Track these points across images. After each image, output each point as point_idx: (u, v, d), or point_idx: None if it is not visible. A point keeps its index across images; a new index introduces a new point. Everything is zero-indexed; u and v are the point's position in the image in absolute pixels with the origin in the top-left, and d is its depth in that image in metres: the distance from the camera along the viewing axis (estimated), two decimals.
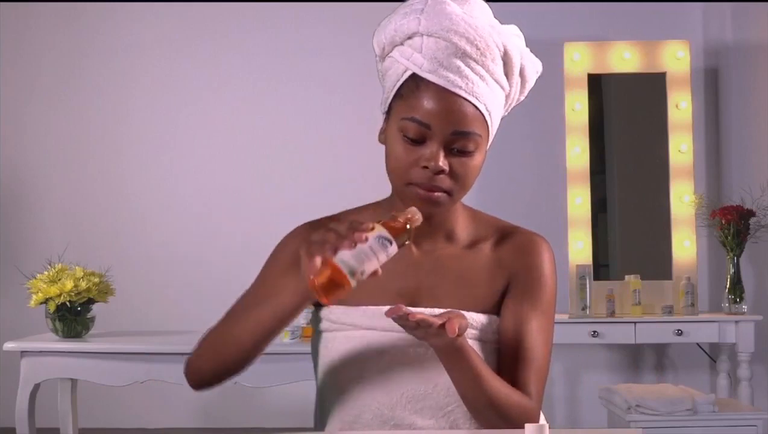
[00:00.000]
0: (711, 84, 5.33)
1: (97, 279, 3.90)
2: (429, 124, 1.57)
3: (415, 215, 1.49)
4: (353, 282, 1.43)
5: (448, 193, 1.60)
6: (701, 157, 5.24)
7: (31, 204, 5.54)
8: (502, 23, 1.67)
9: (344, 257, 1.43)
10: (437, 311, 1.56)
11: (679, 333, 4.73)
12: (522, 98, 1.72)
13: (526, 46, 1.69)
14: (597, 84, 5.15)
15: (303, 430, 1.70)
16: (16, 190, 5.53)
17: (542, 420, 1.69)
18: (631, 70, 5.13)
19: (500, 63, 1.61)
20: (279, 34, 5.52)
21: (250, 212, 5.46)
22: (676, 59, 5.09)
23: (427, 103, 1.57)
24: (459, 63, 1.57)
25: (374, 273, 1.45)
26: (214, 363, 1.65)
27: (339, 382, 1.67)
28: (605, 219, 5.14)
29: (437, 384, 1.63)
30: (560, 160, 5.10)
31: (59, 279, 3.85)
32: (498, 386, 1.59)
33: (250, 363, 1.65)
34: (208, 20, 5.53)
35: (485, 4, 1.66)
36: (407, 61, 1.60)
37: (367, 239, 1.44)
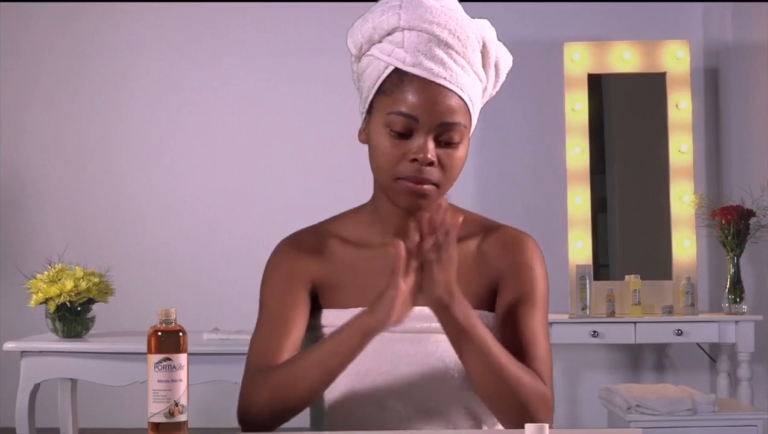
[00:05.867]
0: (711, 84, 5.33)
1: (97, 279, 3.90)
2: (416, 116, 1.57)
3: (161, 316, 1.45)
4: (182, 417, 1.44)
5: (437, 185, 1.60)
6: (701, 157, 5.24)
7: (31, 204, 5.54)
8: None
9: (152, 409, 1.44)
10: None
11: (679, 333, 4.73)
12: (494, 92, 1.72)
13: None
14: (597, 84, 5.15)
15: (301, 430, 1.70)
16: (16, 190, 5.53)
17: None
18: (631, 70, 5.13)
19: (479, 55, 1.62)
20: (279, 34, 5.53)
21: (250, 212, 5.46)
22: (676, 59, 5.09)
23: (413, 96, 1.57)
24: (442, 54, 1.58)
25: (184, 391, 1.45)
26: (281, 410, 1.59)
27: (335, 384, 1.65)
28: (605, 220, 5.14)
29: (434, 383, 1.63)
30: (560, 160, 5.09)
31: (59, 279, 3.84)
32: (511, 363, 1.56)
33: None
34: (208, 20, 5.53)
35: None
36: (388, 57, 1.60)
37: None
